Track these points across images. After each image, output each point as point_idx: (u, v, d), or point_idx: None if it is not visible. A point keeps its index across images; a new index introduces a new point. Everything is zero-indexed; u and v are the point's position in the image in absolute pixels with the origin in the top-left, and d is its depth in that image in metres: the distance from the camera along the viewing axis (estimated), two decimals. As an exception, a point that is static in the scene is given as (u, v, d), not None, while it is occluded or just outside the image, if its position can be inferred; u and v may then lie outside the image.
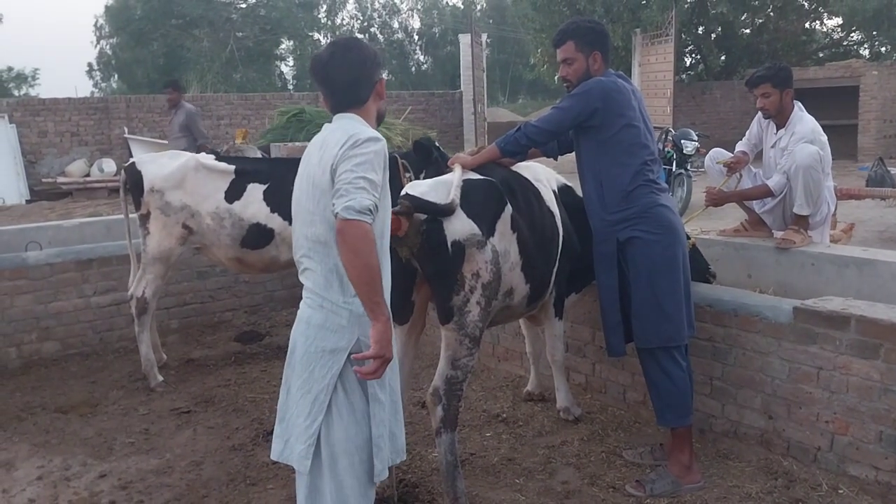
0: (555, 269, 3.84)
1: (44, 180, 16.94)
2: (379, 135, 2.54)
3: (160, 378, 5.12)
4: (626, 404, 4.44)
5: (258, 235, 5.10)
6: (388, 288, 2.62)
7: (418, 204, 3.18)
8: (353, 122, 2.59)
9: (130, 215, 5.28)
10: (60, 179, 16.75)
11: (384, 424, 2.59)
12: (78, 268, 5.76)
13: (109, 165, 16.84)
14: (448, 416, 3.36)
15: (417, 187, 3.35)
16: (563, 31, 3.77)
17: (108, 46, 35.85)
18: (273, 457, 2.67)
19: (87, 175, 16.94)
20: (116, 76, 36.74)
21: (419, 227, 3.20)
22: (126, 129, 17.86)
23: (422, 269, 3.33)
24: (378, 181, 2.46)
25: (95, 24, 35.50)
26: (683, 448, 3.64)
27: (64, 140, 17.55)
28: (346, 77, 2.61)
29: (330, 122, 2.66)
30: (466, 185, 3.37)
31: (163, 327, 5.96)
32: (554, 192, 3.99)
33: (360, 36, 42.37)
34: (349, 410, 2.54)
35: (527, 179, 3.81)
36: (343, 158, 2.45)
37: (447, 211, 3.23)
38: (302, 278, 2.65)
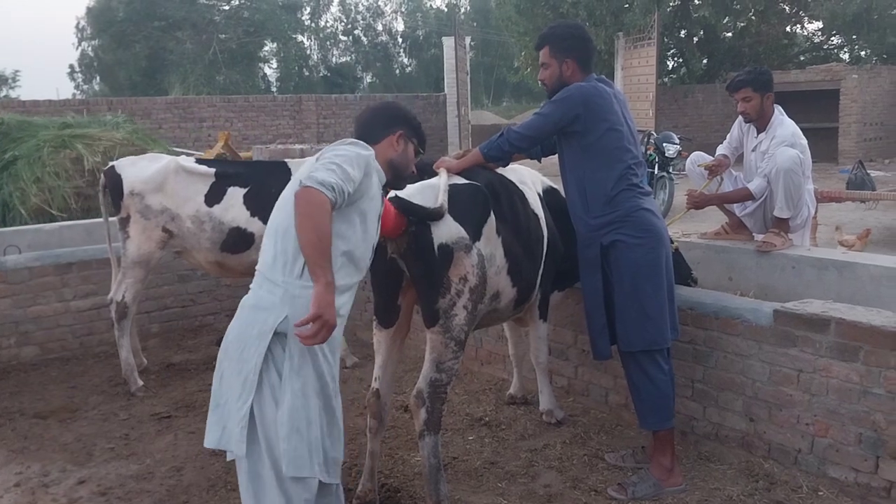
0: (540, 272, 3.84)
1: (24, 183, 16.77)
2: (365, 144, 2.74)
3: (140, 383, 5.08)
4: (609, 407, 4.44)
5: (238, 239, 5.06)
6: (352, 294, 2.71)
7: (407, 207, 3.17)
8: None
9: (112, 219, 5.23)
10: (41, 182, 16.58)
11: (289, 414, 2.49)
12: (57, 272, 5.71)
13: (90, 168, 16.69)
14: (431, 419, 3.35)
15: (405, 191, 3.34)
16: (542, 35, 3.80)
17: (90, 48, 35.60)
18: (209, 445, 2.62)
19: (68, 177, 16.77)
20: (98, 78, 36.46)
21: (408, 228, 3.20)
22: (108, 132, 17.71)
23: (408, 271, 3.33)
24: (353, 176, 2.56)
25: (77, 26, 35.25)
26: (665, 451, 3.64)
27: (44, 142, 17.38)
28: (363, 119, 3.00)
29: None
30: (452, 189, 3.36)
31: (143, 331, 5.91)
32: (539, 194, 4.00)
33: (343, 39, 42.41)
34: (281, 391, 2.52)
35: (512, 182, 3.81)
36: (325, 151, 2.63)
37: (437, 215, 3.23)
38: (258, 264, 2.70)
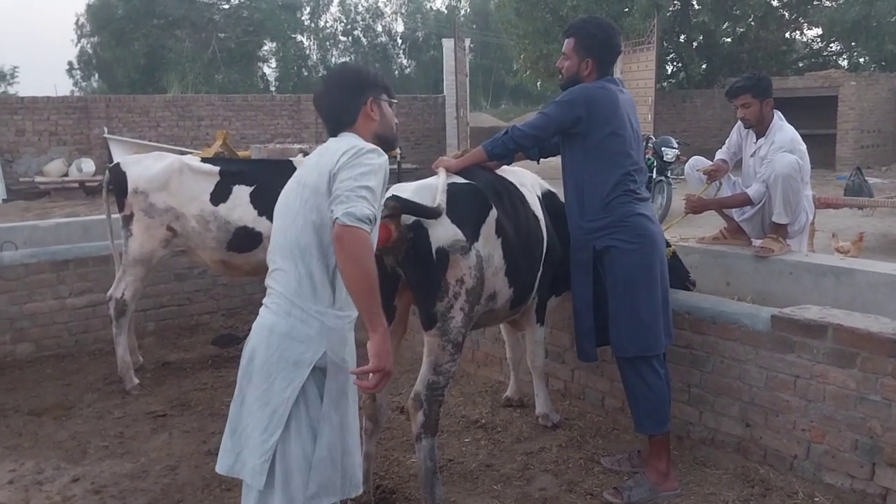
0: (539, 274, 3.83)
1: (21, 179, 16.77)
2: (380, 150, 2.53)
3: (136, 381, 5.06)
4: (605, 411, 4.44)
5: (245, 239, 5.04)
6: None
7: (405, 205, 3.14)
8: (354, 138, 2.58)
9: (114, 216, 5.21)
10: (38, 179, 16.59)
11: (328, 448, 2.47)
12: (53, 269, 5.68)
13: (88, 165, 16.69)
14: (429, 421, 3.34)
15: (403, 190, 3.33)
16: (574, 25, 3.76)
17: (88, 45, 35.59)
18: (220, 471, 2.55)
19: (66, 175, 16.78)
20: (97, 75, 36.45)
21: (405, 234, 3.18)
22: (106, 129, 17.71)
23: (405, 275, 3.31)
24: (378, 192, 2.44)
25: (76, 23, 35.29)
26: (661, 455, 3.64)
27: (42, 139, 17.37)
28: (327, 101, 2.68)
29: None
30: (451, 190, 3.34)
31: (139, 329, 5.89)
32: (538, 197, 3.99)
33: (343, 39, 42.33)
34: (308, 427, 2.45)
35: (512, 184, 3.79)
36: (345, 166, 2.42)
37: (435, 213, 3.20)
38: (270, 280, 2.56)
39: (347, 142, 2.53)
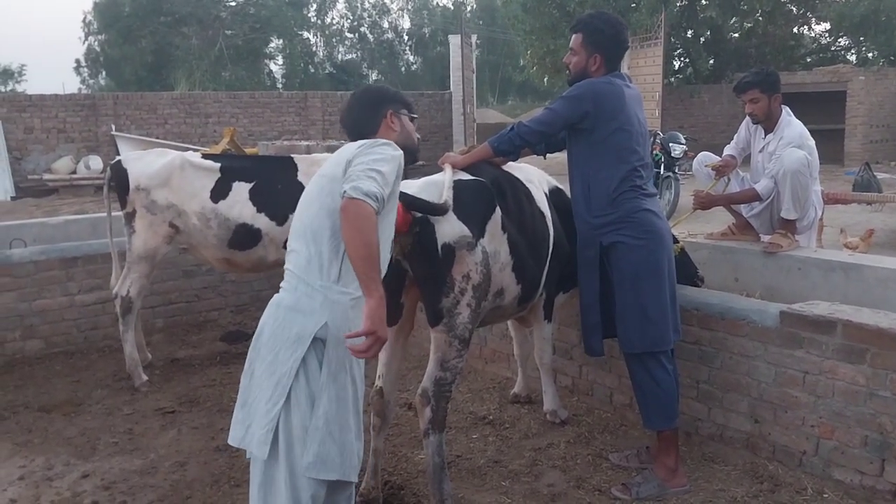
0: (546, 270, 3.83)
1: (30, 177, 16.85)
2: (396, 144, 2.66)
3: (145, 377, 5.08)
4: (613, 407, 4.44)
5: (245, 236, 5.03)
6: None
7: (411, 202, 3.15)
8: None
9: (115, 213, 5.22)
10: (46, 176, 16.66)
11: (325, 419, 2.49)
12: (62, 266, 5.71)
13: (96, 162, 16.75)
14: (436, 417, 3.34)
15: (409, 187, 3.33)
16: (581, 20, 3.75)
17: (96, 43, 35.68)
18: (232, 442, 2.61)
19: (74, 172, 16.85)
20: (104, 73, 36.54)
21: (413, 227, 3.18)
22: (113, 127, 17.77)
23: (412, 271, 3.32)
24: (389, 179, 2.53)
25: (84, 21, 35.40)
26: (669, 451, 3.64)
27: (50, 137, 17.43)
28: (351, 119, 2.89)
29: None
30: (457, 186, 3.34)
31: (148, 326, 5.92)
32: (545, 193, 3.98)
33: (349, 36, 42.37)
34: (308, 398, 2.50)
35: (518, 180, 3.78)
36: (359, 154, 2.56)
37: (441, 210, 3.21)
38: (286, 262, 2.65)
39: (364, 139, 2.67)
